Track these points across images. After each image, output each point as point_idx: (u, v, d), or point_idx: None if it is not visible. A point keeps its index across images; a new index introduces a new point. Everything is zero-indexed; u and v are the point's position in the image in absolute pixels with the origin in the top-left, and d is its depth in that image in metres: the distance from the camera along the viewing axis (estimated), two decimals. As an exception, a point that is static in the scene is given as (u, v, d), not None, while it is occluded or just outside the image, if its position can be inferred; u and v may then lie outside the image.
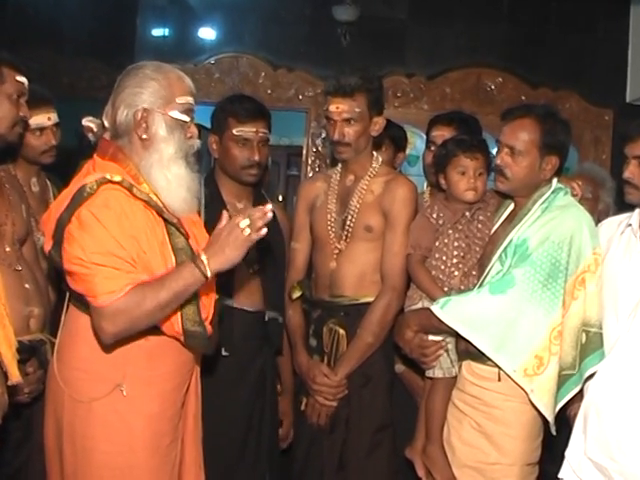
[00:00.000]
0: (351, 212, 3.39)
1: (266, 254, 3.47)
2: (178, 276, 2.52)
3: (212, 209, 3.38)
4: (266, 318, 3.46)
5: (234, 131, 3.43)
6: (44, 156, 3.47)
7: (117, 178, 2.54)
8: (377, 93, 3.40)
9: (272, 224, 3.53)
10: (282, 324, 3.52)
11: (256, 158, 3.43)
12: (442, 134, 3.59)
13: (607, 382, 2.82)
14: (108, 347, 2.57)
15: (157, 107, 2.63)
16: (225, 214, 2.62)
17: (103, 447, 2.57)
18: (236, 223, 2.52)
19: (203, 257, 2.51)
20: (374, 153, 3.49)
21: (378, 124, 3.41)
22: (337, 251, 3.41)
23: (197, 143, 2.74)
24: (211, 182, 3.52)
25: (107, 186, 2.53)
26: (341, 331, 3.38)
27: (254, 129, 3.43)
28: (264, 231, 2.55)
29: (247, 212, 2.57)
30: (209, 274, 2.51)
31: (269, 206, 2.58)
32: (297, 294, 3.48)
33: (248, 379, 3.42)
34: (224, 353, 3.30)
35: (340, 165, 3.53)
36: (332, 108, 3.33)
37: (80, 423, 2.58)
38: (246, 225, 2.52)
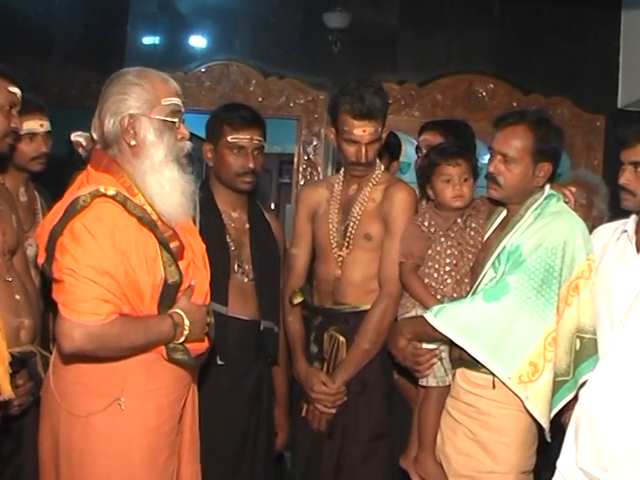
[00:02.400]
0: (352, 220, 3.39)
1: (261, 263, 3.46)
2: (158, 333, 2.58)
3: (207, 218, 3.37)
4: (261, 327, 3.43)
5: (229, 138, 3.41)
6: (33, 163, 3.44)
7: (111, 192, 2.52)
8: (387, 106, 3.40)
9: (267, 233, 3.54)
10: (277, 334, 3.51)
11: (251, 165, 3.41)
12: (429, 139, 3.60)
13: (598, 391, 2.81)
14: (107, 360, 2.54)
15: (143, 112, 2.60)
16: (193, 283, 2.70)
17: (101, 461, 2.54)
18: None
19: (187, 327, 2.61)
20: (377, 161, 3.48)
21: (385, 133, 3.42)
22: (340, 259, 3.40)
23: (188, 145, 2.71)
24: (206, 191, 3.51)
25: (101, 199, 2.50)
26: (341, 338, 3.37)
27: (249, 136, 3.42)
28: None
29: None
30: (181, 341, 2.62)
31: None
32: (298, 300, 3.47)
33: (243, 388, 3.40)
34: (219, 362, 3.28)
35: (342, 172, 3.53)
36: (358, 132, 3.29)
37: (77, 438, 2.55)
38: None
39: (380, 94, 3.33)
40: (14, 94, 2.92)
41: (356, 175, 3.44)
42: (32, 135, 3.41)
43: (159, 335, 2.56)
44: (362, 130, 3.29)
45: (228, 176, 3.45)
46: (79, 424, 2.55)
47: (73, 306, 2.43)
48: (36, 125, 3.41)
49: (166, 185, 2.62)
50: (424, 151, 3.64)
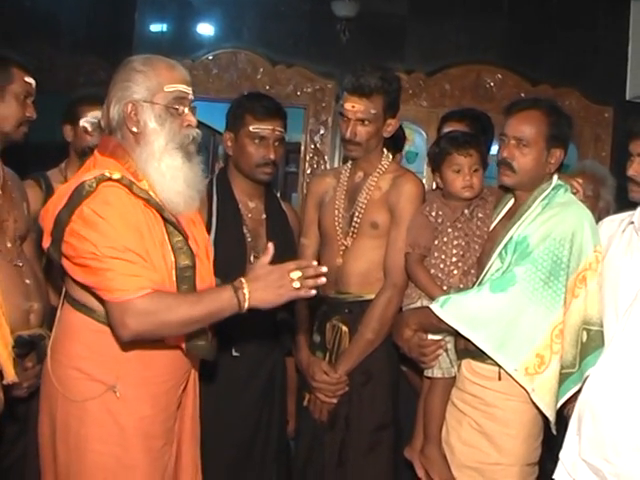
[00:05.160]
0: (358, 208, 3.38)
1: (277, 254, 3.45)
2: (217, 297, 2.51)
3: (224, 207, 3.37)
4: (277, 319, 3.42)
5: (251, 128, 3.39)
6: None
7: (116, 176, 2.51)
8: (394, 95, 3.37)
9: (283, 224, 3.53)
10: (292, 325, 3.49)
11: (272, 156, 3.41)
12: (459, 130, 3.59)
13: (602, 382, 2.81)
14: (102, 347, 2.55)
15: (144, 98, 2.59)
16: (270, 246, 2.61)
17: (96, 447, 2.54)
18: (288, 270, 2.52)
19: (246, 290, 2.49)
20: (384, 151, 3.47)
21: (391, 125, 3.39)
22: (343, 247, 3.40)
23: (195, 132, 2.68)
24: (224, 179, 3.51)
25: (106, 183, 2.49)
26: (344, 328, 3.37)
27: (271, 127, 3.41)
28: (313, 292, 2.56)
29: (301, 263, 2.58)
30: (245, 308, 2.50)
31: (324, 268, 2.58)
32: None
33: (258, 380, 3.40)
34: (234, 353, 3.28)
35: (350, 162, 3.52)
36: (348, 106, 3.30)
37: (74, 422, 2.56)
38: (297, 277, 2.51)
39: (382, 76, 3.30)
40: (29, 84, 3.00)
41: (349, 156, 3.44)
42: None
43: (220, 303, 2.50)
44: (351, 105, 3.29)
45: (248, 166, 3.43)
46: (75, 409, 2.55)
47: (105, 287, 2.43)
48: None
49: (167, 173, 2.61)
50: None
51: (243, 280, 2.52)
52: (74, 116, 3.52)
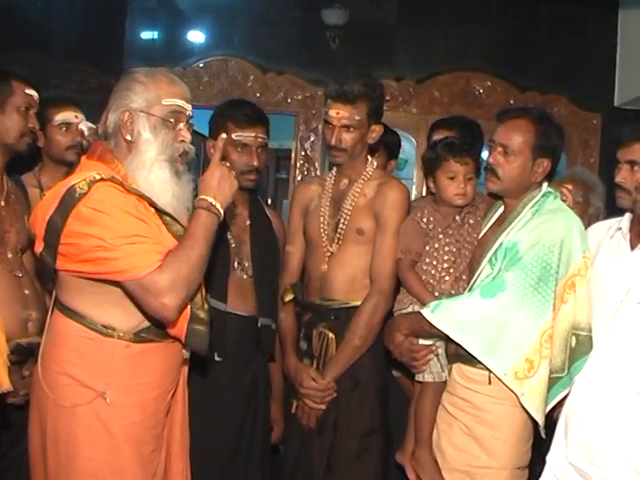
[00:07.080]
0: (344, 215, 3.38)
1: (260, 260, 3.46)
2: (202, 225, 2.58)
3: None
4: (259, 324, 3.43)
5: (233, 136, 3.40)
6: (68, 153, 3.57)
7: (106, 176, 2.53)
8: (378, 101, 3.38)
9: (267, 230, 3.54)
10: (274, 331, 3.51)
11: (255, 163, 3.41)
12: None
13: (588, 386, 2.83)
14: (92, 353, 2.56)
15: (141, 108, 2.62)
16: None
17: (86, 453, 2.55)
18: (217, 163, 2.70)
19: (211, 199, 2.60)
20: (369, 157, 3.48)
21: (375, 132, 3.40)
22: (329, 254, 3.40)
23: (187, 147, 2.71)
24: None
25: (99, 184, 2.50)
26: (330, 335, 3.37)
27: (253, 134, 3.42)
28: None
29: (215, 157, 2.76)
30: (222, 213, 2.63)
31: (223, 135, 2.87)
32: (289, 297, 3.47)
33: (240, 384, 3.41)
34: (217, 358, 3.28)
35: (335, 169, 3.53)
36: (332, 113, 3.31)
37: (63, 428, 2.57)
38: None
39: (366, 83, 3.31)
40: (30, 96, 3.13)
41: (335, 162, 3.45)
42: (67, 125, 3.56)
43: (207, 227, 2.58)
44: (336, 112, 3.30)
45: None
46: (65, 414, 2.56)
47: (119, 268, 2.45)
48: (71, 116, 3.57)
49: (155, 184, 2.63)
50: None
51: (204, 197, 2.62)
52: (43, 120, 3.49)
